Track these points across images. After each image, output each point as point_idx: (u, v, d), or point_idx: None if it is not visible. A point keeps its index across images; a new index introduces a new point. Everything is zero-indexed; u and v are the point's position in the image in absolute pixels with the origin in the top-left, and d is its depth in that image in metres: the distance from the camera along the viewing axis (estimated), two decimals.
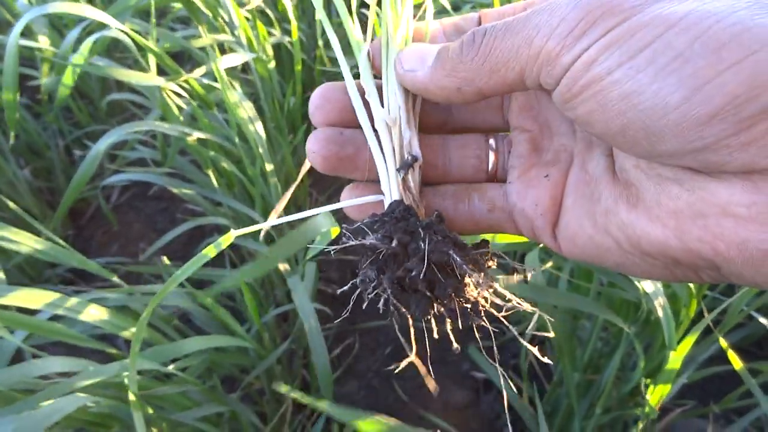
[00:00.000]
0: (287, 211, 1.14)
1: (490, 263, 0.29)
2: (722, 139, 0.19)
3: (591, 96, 0.21)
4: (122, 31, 0.81)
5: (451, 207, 0.30)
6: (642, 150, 0.21)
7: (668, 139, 0.20)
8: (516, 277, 0.31)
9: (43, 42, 1.01)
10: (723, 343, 0.56)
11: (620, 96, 0.20)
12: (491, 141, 0.31)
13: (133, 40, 0.82)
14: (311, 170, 1.43)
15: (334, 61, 1.34)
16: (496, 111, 0.31)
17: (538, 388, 0.91)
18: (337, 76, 1.52)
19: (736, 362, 0.56)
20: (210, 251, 0.32)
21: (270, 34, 1.12)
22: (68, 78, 0.85)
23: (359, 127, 0.29)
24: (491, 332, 0.28)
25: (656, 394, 0.57)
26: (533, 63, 0.23)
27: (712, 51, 0.19)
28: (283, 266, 0.82)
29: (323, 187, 1.37)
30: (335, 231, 0.54)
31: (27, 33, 1.05)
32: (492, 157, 0.31)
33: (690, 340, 0.51)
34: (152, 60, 0.85)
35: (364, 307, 0.28)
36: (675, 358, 0.52)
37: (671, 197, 0.22)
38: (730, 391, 0.79)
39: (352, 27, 0.29)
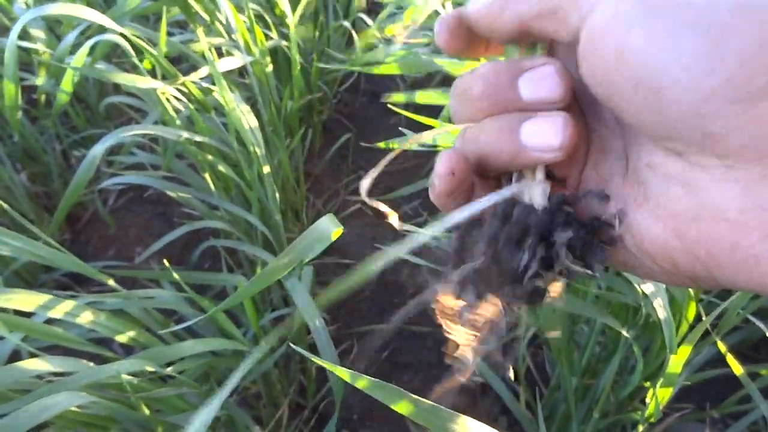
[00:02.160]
0: (284, 216, 1.14)
1: None
2: (727, 106, 0.19)
3: (608, 50, 0.21)
4: (122, 35, 0.81)
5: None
6: (650, 115, 0.21)
7: (675, 99, 0.20)
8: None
9: (41, 45, 1.01)
10: (722, 347, 0.56)
11: (636, 50, 0.20)
12: None
13: (131, 43, 0.82)
14: (309, 175, 1.44)
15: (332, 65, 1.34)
16: None
17: (535, 393, 0.91)
18: (334, 77, 1.52)
19: (736, 367, 0.56)
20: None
21: (267, 37, 1.12)
22: (67, 84, 0.85)
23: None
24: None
25: (657, 398, 0.57)
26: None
27: (730, 13, 0.19)
28: None
29: (321, 192, 1.37)
30: (337, 233, 0.54)
31: (24, 37, 1.05)
32: None
33: (690, 344, 0.51)
34: (156, 65, 0.85)
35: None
36: (675, 362, 0.52)
37: (672, 198, 0.22)
38: (728, 395, 0.79)
39: None
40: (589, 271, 0.24)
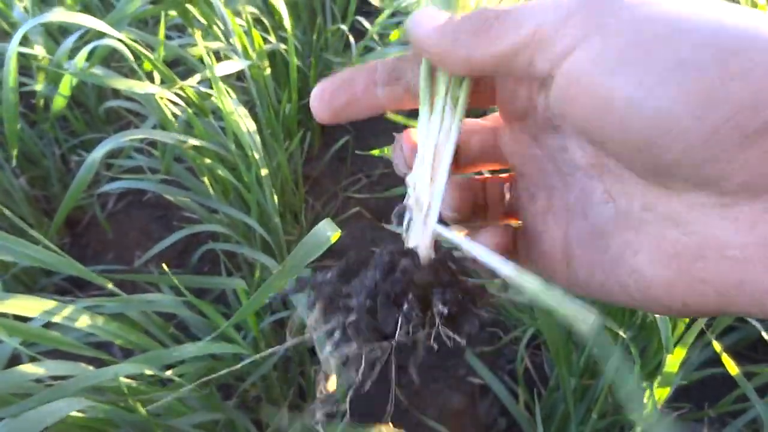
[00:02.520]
0: (283, 219, 1.14)
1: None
2: (724, 153, 0.19)
3: (590, 98, 0.20)
4: (120, 40, 0.81)
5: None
6: (644, 161, 0.21)
7: (671, 149, 0.19)
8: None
9: (39, 50, 1.01)
10: (717, 346, 0.57)
11: (622, 100, 0.20)
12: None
13: (129, 48, 0.82)
14: (308, 177, 1.44)
15: (329, 66, 1.34)
16: (491, 152, 0.31)
17: (534, 394, 0.91)
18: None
19: (731, 367, 0.56)
20: None
21: (265, 41, 1.13)
22: (65, 88, 0.85)
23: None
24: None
25: (654, 398, 0.58)
26: (530, 38, 0.22)
27: (718, 60, 0.18)
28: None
29: (319, 195, 1.38)
30: (336, 236, 0.54)
31: (23, 42, 1.06)
32: (507, 195, 0.31)
33: (686, 344, 0.51)
34: (155, 70, 0.86)
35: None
36: (672, 362, 0.52)
37: (672, 239, 0.22)
38: (725, 394, 0.80)
39: None
40: (457, 339, 0.23)
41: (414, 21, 0.26)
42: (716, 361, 0.71)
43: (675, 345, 0.54)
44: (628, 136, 0.20)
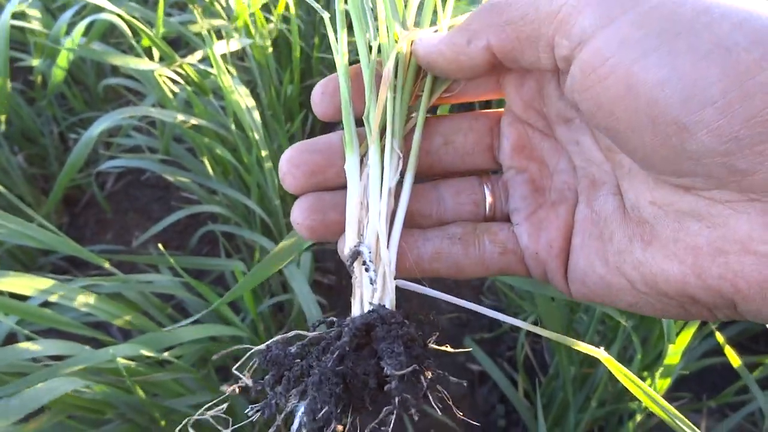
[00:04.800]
0: (283, 202, 1.13)
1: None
2: (757, 144, 0.18)
3: (618, 80, 0.20)
4: (119, 15, 0.79)
5: (462, 251, 0.28)
6: (669, 150, 0.20)
7: (701, 135, 0.18)
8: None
9: (36, 24, 0.99)
10: (720, 338, 0.56)
11: (654, 83, 0.19)
12: (486, 184, 0.30)
13: (128, 24, 0.80)
14: None
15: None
16: (485, 152, 0.30)
17: (533, 381, 0.91)
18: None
19: (734, 359, 0.56)
20: None
21: (267, 20, 1.11)
22: (63, 60, 0.83)
23: (339, 187, 0.28)
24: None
25: (657, 386, 0.57)
26: (551, 19, 0.21)
27: (754, 42, 0.18)
28: None
29: None
30: None
31: (20, 16, 1.04)
32: (489, 199, 0.30)
33: (688, 333, 0.50)
34: (154, 47, 0.84)
35: None
36: (674, 352, 0.52)
37: (690, 234, 0.21)
38: (725, 385, 0.79)
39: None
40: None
41: (419, 42, 0.27)
42: (716, 351, 0.70)
43: (677, 335, 0.53)
44: (656, 120, 0.19)
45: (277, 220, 0.97)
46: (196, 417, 0.24)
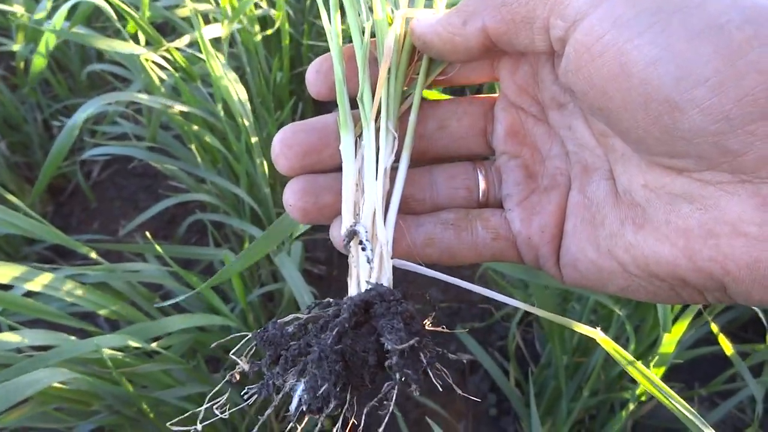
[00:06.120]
0: (273, 190, 1.12)
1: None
2: (748, 123, 0.18)
3: (611, 58, 0.20)
4: None
5: (454, 237, 0.28)
6: (661, 130, 0.20)
7: (693, 114, 0.19)
8: None
9: (18, 7, 0.97)
10: (714, 328, 0.56)
11: (647, 61, 0.19)
12: (480, 169, 0.30)
13: (113, 6, 0.78)
14: None
15: (322, 34, 1.30)
16: (478, 137, 0.30)
17: (524, 370, 0.91)
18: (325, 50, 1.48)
19: (727, 347, 0.56)
20: None
21: (257, 6, 1.09)
22: (44, 45, 0.81)
23: (333, 169, 0.28)
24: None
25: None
26: (546, 0, 0.21)
27: (746, 21, 0.18)
28: None
29: None
30: None
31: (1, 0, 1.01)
32: (482, 185, 0.29)
33: (684, 323, 0.50)
34: (140, 31, 0.82)
35: None
36: (669, 341, 0.52)
37: (681, 216, 0.21)
38: (715, 374, 0.80)
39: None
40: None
41: (416, 21, 0.27)
42: (707, 340, 0.71)
43: (673, 323, 0.53)
44: (649, 98, 0.19)
45: (267, 208, 0.96)
46: (202, 408, 0.23)
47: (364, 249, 0.25)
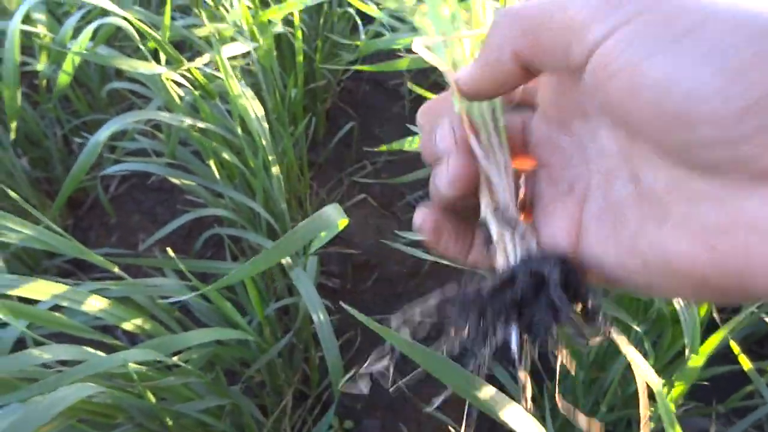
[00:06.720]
0: (288, 205, 1.13)
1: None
2: (758, 132, 0.19)
3: (626, 77, 0.21)
4: (126, 19, 0.79)
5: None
6: (676, 142, 0.21)
7: (704, 128, 0.20)
8: None
9: (42, 28, 0.99)
10: (735, 347, 0.56)
11: (658, 79, 0.20)
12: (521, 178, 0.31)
13: (134, 27, 0.80)
14: (312, 164, 1.42)
15: (335, 53, 1.32)
16: (518, 147, 0.31)
17: (540, 384, 0.91)
18: (337, 70, 1.50)
19: (746, 363, 0.56)
20: None
21: (270, 23, 1.11)
22: (69, 65, 0.83)
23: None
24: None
25: (673, 394, 0.57)
26: (566, 28, 0.23)
27: (751, 42, 0.19)
28: (284, 259, 0.81)
29: (324, 181, 1.36)
30: (343, 223, 0.53)
31: (25, 20, 1.03)
32: (521, 192, 0.31)
33: (712, 343, 0.50)
34: (160, 50, 0.84)
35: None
36: (696, 359, 0.51)
37: (701, 213, 0.22)
38: (732, 390, 0.79)
39: None
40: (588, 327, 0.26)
41: (459, 80, 0.28)
42: (723, 356, 0.70)
43: (701, 344, 0.53)
44: (661, 114, 0.21)
45: (284, 223, 0.97)
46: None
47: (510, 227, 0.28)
